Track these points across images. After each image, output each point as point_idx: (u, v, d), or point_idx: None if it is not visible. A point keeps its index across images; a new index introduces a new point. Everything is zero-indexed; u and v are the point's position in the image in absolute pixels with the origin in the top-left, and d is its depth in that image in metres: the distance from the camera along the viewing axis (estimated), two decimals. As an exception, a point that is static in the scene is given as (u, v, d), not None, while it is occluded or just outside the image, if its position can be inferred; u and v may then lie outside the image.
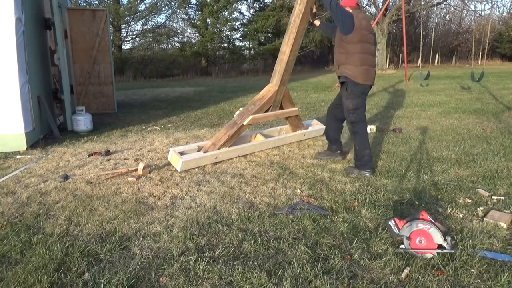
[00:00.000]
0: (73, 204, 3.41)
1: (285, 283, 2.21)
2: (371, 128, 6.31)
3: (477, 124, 6.54)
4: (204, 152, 4.34)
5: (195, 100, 11.32)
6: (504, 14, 30.82)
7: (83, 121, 6.98)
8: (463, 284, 2.20)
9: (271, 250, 2.59)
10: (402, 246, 2.53)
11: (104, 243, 2.69)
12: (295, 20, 4.42)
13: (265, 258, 2.49)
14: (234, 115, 4.63)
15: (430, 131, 6.09)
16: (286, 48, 4.56)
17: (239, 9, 31.07)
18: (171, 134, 6.39)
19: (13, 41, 5.25)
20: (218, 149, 4.48)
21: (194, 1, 25.93)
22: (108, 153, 5.12)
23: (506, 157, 4.55)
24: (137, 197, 3.58)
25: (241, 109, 4.66)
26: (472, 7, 24.19)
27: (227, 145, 4.57)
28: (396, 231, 2.55)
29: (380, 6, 20.57)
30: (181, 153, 4.30)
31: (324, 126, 5.91)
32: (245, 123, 4.41)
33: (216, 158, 4.47)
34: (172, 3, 25.68)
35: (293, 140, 5.45)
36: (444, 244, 2.44)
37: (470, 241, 2.59)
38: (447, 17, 29.93)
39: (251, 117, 4.37)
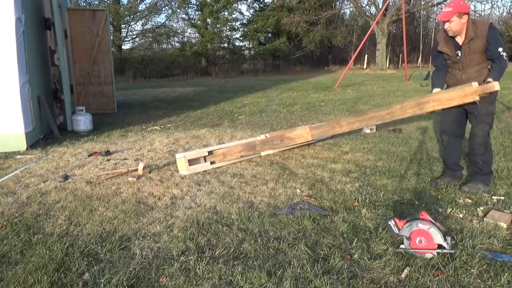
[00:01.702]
0: (73, 204, 3.41)
1: (285, 283, 2.21)
2: (371, 128, 6.32)
3: (477, 124, 6.53)
4: (211, 163, 4.38)
5: (195, 100, 11.32)
6: (504, 14, 30.85)
7: (83, 121, 6.99)
8: (463, 284, 2.20)
9: (271, 250, 2.59)
10: (402, 246, 2.53)
11: (104, 243, 2.69)
12: (371, 117, 3.99)
13: (265, 258, 2.49)
14: (258, 137, 4.54)
15: (430, 131, 6.09)
16: (345, 125, 4.17)
17: (239, 9, 31.15)
18: (171, 134, 6.38)
19: (13, 41, 5.26)
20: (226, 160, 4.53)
21: (194, 1, 25.98)
22: (108, 153, 5.12)
23: (506, 157, 4.55)
24: (137, 197, 3.58)
25: (267, 135, 4.51)
26: (472, 7, 24.18)
27: (235, 159, 4.62)
28: (396, 231, 2.55)
29: (380, 6, 20.57)
30: (190, 161, 4.29)
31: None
32: (262, 154, 4.38)
33: (220, 167, 4.51)
34: (172, 3, 25.75)
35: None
36: (444, 244, 2.44)
37: (470, 241, 2.59)
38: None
39: (271, 151, 4.31)
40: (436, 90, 3.66)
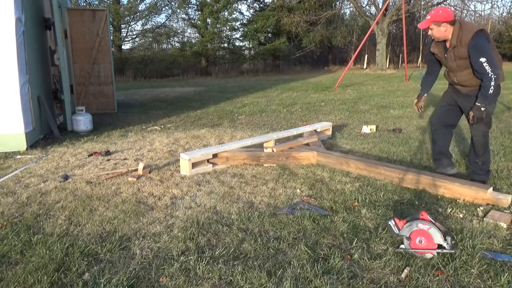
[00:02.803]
0: (73, 204, 3.41)
1: (285, 283, 2.21)
2: (371, 128, 6.32)
3: (477, 124, 6.53)
4: (213, 166, 4.41)
5: (195, 100, 11.32)
6: (504, 14, 30.86)
7: (83, 121, 6.98)
8: (463, 284, 2.20)
9: (271, 250, 2.59)
10: (402, 246, 2.53)
11: (104, 243, 2.69)
12: (380, 173, 3.95)
13: (265, 258, 2.49)
14: (265, 149, 4.65)
15: (430, 131, 6.08)
16: (353, 167, 4.20)
17: (239, 9, 31.12)
18: (171, 134, 6.38)
19: (13, 41, 5.25)
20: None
21: (194, 1, 25.95)
22: (108, 153, 5.12)
23: (506, 157, 4.55)
24: (137, 197, 3.58)
25: (275, 149, 4.61)
26: (472, 7, 24.23)
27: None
28: (396, 231, 2.55)
29: (380, 6, 20.57)
30: (195, 163, 4.30)
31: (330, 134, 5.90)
32: (265, 165, 4.52)
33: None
34: (172, 3, 25.71)
35: None
36: (444, 244, 2.44)
37: (470, 241, 2.59)
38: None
39: (274, 165, 4.49)
40: (423, 92, 3.86)
